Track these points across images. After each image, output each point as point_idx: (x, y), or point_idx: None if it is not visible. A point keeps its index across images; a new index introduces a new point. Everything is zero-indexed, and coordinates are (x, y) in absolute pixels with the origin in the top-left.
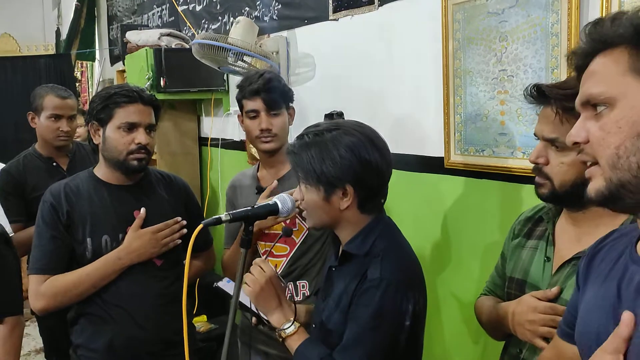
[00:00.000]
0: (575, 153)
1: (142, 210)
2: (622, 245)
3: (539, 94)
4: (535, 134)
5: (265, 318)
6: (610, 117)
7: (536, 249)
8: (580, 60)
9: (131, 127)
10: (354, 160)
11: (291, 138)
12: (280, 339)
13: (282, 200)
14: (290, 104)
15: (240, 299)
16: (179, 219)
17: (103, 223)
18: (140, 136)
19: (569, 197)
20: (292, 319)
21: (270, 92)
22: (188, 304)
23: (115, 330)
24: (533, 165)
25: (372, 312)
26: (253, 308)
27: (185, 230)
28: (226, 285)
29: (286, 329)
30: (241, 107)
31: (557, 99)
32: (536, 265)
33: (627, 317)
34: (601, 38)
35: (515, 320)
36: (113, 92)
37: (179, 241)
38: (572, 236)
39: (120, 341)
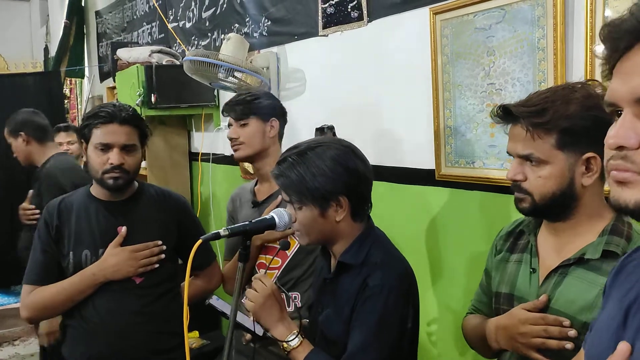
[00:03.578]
0: (550, 167)
1: (124, 228)
2: None
3: (506, 114)
4: (508, 152)
5: (259, 334)
6: None
7: (520, 262)
8: (621, 44)
9: (105, 148)
10: (343, 171)
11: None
12: (285, 353)
13: (279, 214)
14: (269, 116)
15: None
16: (159, 242)
17: (85, 238)
18: (113, 156)
19: (550, 209)
20: (295, 331)
21: (237, 105)
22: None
23: (92, 345)
24: (512, 182)
25: (376, 319)
26: (246, 324)
27: (163, 256)
28: (217, 302)
29: (291, 341)
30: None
31: (525, 117)
32: (522, 277)
33: (622, 347)
34: None
35: (506, 335)
36: (94, 112)
37: (157, 265)
38: (555, 246)
39: (97, 357)
